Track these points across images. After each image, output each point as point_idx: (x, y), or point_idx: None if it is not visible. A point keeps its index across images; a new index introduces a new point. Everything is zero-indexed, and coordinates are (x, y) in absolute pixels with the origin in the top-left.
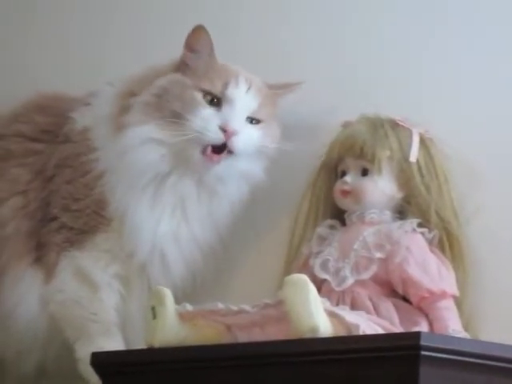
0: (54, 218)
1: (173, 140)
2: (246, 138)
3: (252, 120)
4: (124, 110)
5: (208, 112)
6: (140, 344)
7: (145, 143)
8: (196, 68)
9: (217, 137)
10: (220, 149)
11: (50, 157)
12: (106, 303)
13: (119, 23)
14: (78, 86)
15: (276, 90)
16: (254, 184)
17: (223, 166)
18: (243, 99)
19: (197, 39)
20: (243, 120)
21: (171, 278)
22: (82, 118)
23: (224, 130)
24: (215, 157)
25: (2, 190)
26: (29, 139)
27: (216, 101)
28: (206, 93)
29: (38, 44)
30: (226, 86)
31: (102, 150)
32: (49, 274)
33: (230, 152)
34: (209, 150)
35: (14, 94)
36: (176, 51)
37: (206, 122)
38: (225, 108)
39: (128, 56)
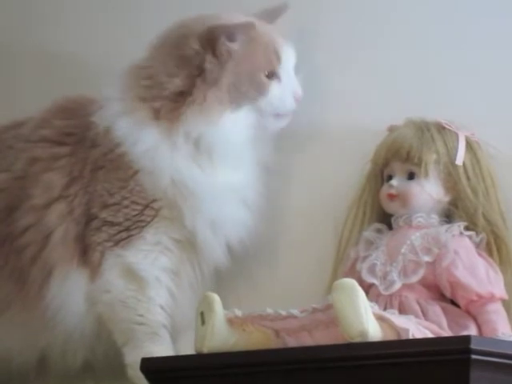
0: (95, 218)
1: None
2: None
3: None
4: (153, 97)
5: (277, 89)
6: (190, 340)
7: (242, 129)
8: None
9: (292, 107)
10: None
11: (85, 162)
12: (153, 301)
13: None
14: None
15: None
16: None
17: None
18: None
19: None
20: None
21: (224, 247)
22: (101, 121)
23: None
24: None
25: (38, 197)
26: (54, 143)
27: (274, 74)
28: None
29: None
30: (279, 59)
31: (129, 142)
32: (94, 273)
33: None
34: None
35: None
36: None
37: (283, 98)
38: (285, 77)
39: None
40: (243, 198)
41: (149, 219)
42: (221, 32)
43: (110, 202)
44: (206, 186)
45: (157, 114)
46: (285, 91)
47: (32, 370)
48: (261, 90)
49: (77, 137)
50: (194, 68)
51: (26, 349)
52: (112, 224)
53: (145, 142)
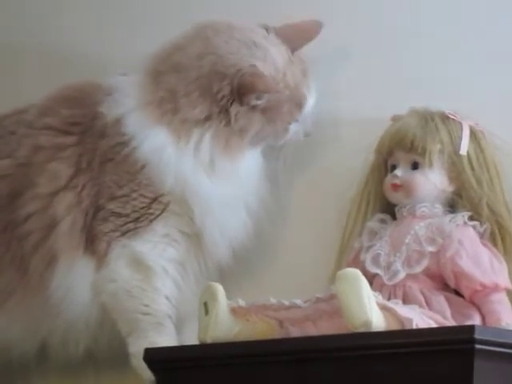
0: (102, 208)
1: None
2: None
3: None
4: (166, 101)
5: (294, 128)
6: (194, 330)
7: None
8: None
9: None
10: None
11: (94, 153)
12: (159, 292)
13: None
14: None
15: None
16: None
17: None
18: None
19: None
20: None
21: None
22: (109, 111)
23: None
24: None
25: (43, 185)
26: (59, 132)
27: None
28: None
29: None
30: (301, 109)
31: (138, 139)
32: (100, 262)
33: None
34: None
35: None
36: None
37: (296, 134)
38: (302, 118)
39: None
40: (246, 204)
41: (157, 212)
42: (251, 91)
43: (119, 193)
44: (211, 191)
45: (165, 118)
46: (299, 129)
47: (32, 359)
48: (281, 137)
49: (83, 126)
50: (216, 105)
51: (27, 337)
52: (119, 215)
53: (153, 140)
